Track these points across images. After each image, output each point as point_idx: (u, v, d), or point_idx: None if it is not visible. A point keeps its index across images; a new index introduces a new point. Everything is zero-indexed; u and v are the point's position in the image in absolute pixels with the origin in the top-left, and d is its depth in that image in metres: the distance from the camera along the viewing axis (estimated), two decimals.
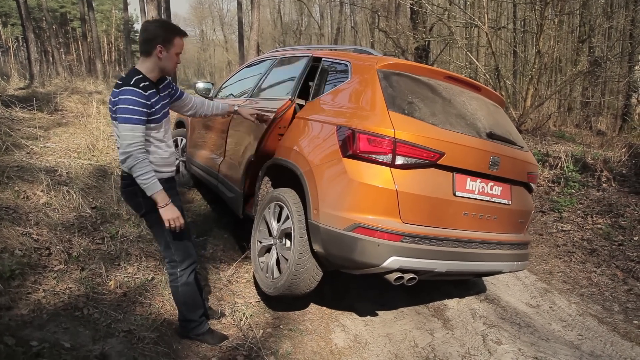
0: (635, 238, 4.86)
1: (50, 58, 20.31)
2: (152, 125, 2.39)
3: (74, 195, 3.91)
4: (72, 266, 3.07)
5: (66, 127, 6.43)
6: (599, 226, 5.27)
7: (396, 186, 2.55)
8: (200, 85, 4.99)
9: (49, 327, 2.47)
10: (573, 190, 6.22)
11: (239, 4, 25.88)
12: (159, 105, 2.43)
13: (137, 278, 3.19)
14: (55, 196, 3.84)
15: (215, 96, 4.98)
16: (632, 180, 6.23)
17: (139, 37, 2.44)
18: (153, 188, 2.33)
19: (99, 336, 2.53)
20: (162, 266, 3.42)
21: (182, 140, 5.54)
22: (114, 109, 2.31)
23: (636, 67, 10.98)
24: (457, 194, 2.77)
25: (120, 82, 2.32)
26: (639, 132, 9.34)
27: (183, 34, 2.46)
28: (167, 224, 2.39)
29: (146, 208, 2.45)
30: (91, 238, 3.48)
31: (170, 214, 2.38)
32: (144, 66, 2.40)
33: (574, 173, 6.63)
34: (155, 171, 2.40)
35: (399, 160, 2.57)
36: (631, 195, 5.74)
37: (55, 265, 3.03)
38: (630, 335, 3.46)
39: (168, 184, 2.52)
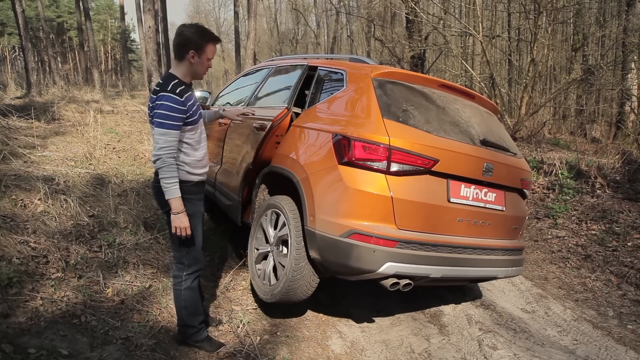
0: (629, 244, 4.90)
1: (47, 67, 20.34)
2: (188, 127, 2.47)
3: (72, 204, 3.92)
4: (69, 274, 3.08)
5: (63, 136, 6.45)
6: (594, 232, 5.31)
7: (391, 193, 2.58)
8: (198, 94, 5.01)
9: (47, 334, 2.48)
10: (568, 197, 6.27)
11: (236, 13, 26.01)
12: (195, 107, 2.51)
13: (135, 286, 3.20)
14: (52, 204, 3.86)
15: (212, 105, 5.02)
16: (625, 186, 6.28)
17: (174, 41, 2.48)
18: (172, 193, 2.41)
19: (97, 343, 2.54)
20: (159, 274, 3.44)
21: None
22: (151, 113, 2.39)
23: (629, 75, 11.09)
24: (452, 200, 2.80)
25: (158, 88, 2.39)
26: (632, 139, 9.42)
27: (216, 40, 2.51)
28: (173, 230, 2.46)
29: (168, 206, 2.49)
30: (89, 246, 3.50)
31: (179, 222, 2.45)
32: (179, 70, 2.48)
33: (568, 180, 6.69)
34: (189, 173, 2.52)
35: (394, 167, 2.61)
36: (625, 202, 5.79)
37: (53, 273, 3.04)
38: (624, 339, 3.48)
39: (197, 187, 2.62)
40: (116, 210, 4.18)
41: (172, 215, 2.45)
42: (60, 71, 19.59)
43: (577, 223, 5.61)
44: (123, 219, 4.06)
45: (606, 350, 3.30)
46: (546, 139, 11.38)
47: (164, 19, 18.85)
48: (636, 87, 11.06)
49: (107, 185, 4.74)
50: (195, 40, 2.42)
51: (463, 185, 2.87)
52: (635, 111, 10.86)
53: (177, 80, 2.42)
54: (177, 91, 2.37)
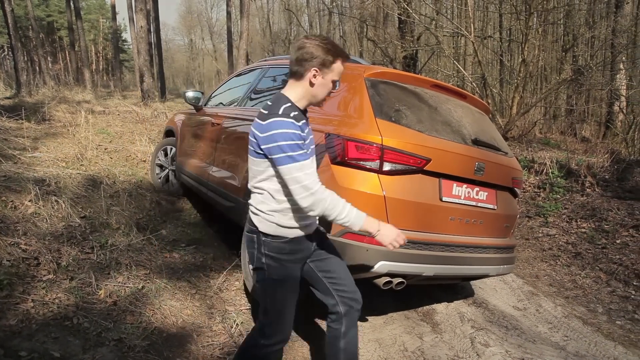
0: (618, 241, 4.96)
1: (37, 67, 20.19)
2: None
3: (63, 205, 3.90)
4: (61, 276, 3.06)
5: (54, 136, 6.40)
6: (583, 230, 5.37)
7: (384, 192, 2.60)
8: (190, 94, 5.03)
9: (38, 337, 2.47)
10: (558, 196, 6.33)
11: (228, 13, 25.96)
12: (309, 140, 2.02)
13: (128, 287, 3.19)
14: (43, 206, 3.83)
15: (205, 105, 5.01)
16: (614, 185, 6.36)
17: (292, 55, 2.02)
18: (357, 222, 1.95)
19: (89, 345, 2.53)
20: (152, 275, 3.43)
21: (171, 149, 5.55)
22: (262, 147, 1.89)
23: (617, 76, 11.22)
24: (444, 199, 2.82)
25: (266, 112, 1.92)
26: (621, 138, 9.53)
27: (346, 57, 2.02)
28: (390, 247, 2.02)
29: (257, 264, 2.06)
30: (80, 247, 3.48)
31: (388, 236, 1.99)
32: (293, 92, 2.01)
33: (558, 179, 6.76)
34: (280, 225, 2.00)
35: (387, 167, 2.63)
36: (614, 200, 5.86)
37: (44, 275, 3.02)
38: (613, 335, 3.53)
39: (292, 245, 2.05)
40: (108, 211, 4.16)
41: (376, 238, 2.00)
42: (50, 71, 19.45)
43: (568, 221, 5.67)
44: (115, 220, 4.05)
45: (596, 345, 3.34)
46: (537, 139, 11.48)
47: (156, 18, 18.75)
48: (624, 87, 11.20)
49: (98, 186, 4.72)
50: (321, 55, 1.94)
51: (455, 185, 2.90)
52: (624, 111, 11.00)
53: (289, 104, 1.95)
54: (291, 115, 1.89)
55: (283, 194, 1.97)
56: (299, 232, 2.05)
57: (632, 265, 4.48)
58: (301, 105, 2.02)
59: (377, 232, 1.98)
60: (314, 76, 1.96)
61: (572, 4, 11.94)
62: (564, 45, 13.54)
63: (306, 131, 1.99)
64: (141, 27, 11.99)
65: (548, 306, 3.93)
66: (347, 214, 1.92)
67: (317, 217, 2.16)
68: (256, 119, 1.94)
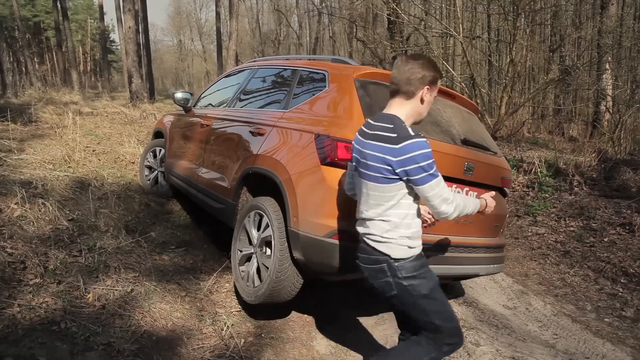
0: (605, 239, 5.01)
1: (24, 68, 19.95)
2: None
3: (50, 208, 3.85)
4: (48, 280, 3.01)
5: (41, 138, 6.32)
6: (572, 229, 5.42)
7: None
8: (179, 95, 4.99)
9: (25, 342, 2.43)
10: (547, 195, 6.39)
11: (217, 14, 25.86)
12: None
13: (116, 290, 3.15)
14: (30, 209, 3.78)
15: (194, 106, 4.98)
16: (601, 184, 6.43)
17: (399, 75, 2.04)
18: (477, 207, 2.17)
19: (77, 350, 2.49)
20: (141, 277, 3.39)
21: (160, 150, 5.51)
22: (398, 171, 1.93)
23: (604, 76, 11.35)
24: None
25: (394, 135, 1.94)
26: (607, 138, 9.64)
27: (441, 75, 2.15)
28: (488, 210, 2.25)
29: (397, 289, 2.05)
30: (68, 251, 3.43)
31: (490, 205, 2.25)
32: (403, 111, 2.05)
33: (547, 178, 6.81)
34: (410, 247, 2.04)
35: None
36: (601, 199, 5.93)
37: (31, 279, 2.97)
38: (601, 332, 3.57)
39: (420, 258, 2.11)
40: (96, 213, 4.12)
41: (489, 208, 2.23)
42: (37, 72, 19.21)
43: (556, 220, 5.73)
44: (104, 222, 4.01)
45: (585, 343, 3.37)
46: (525, 138, 11.58)
47: (145, 19, 18.60)
48: (611, 87, 11.33)
49: (87, 188, 4.67)
50: (432, 73, 2.03)
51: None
52: (610, 110, 11.13)
53: (405, 124, 2.01)
54: (422, 135, 1.95)
55: (409, 218, 2.04)
56: (420, 248, 2.12)
57: (619, 263, 4.53)
58: (408, 123, 2.05)
59: (487, 207, 2.22)
60: (426, 94, 2.04)
61: (559, 5, 12.05)
62: (551, 45, 13.66)
63: None
64: (129, 27, 11.89)
65: (538, 304, 3.96)
66: (472, 205, 2.12)
67: None
68: (382, 144, 1.96)
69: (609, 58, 11.26)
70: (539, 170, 7.05)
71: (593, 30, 11.81)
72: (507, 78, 10.15)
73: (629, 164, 6.84)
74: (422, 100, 2.05)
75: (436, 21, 13.46)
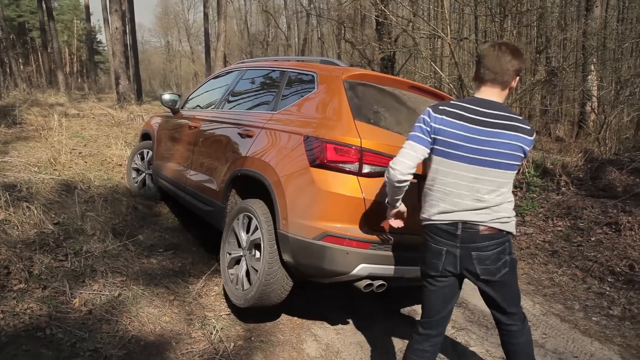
0: (592, 239, 5.06)
1: (8, 69, 19.63)
2: None
3: (35, 211, 3.79)
4: (33, 285, 2.96)
5: (26, 140, 6.23)
6: (559, 228, 5.47)
7: (363, 194, 2.59)
8: (167, 97, 4.95)
9: (8, 349, 2.38)
10: (535, 195, 6.44)
11: (205, 15, 25.74)
12: None
13: (103, 295, 3.11)
14: (14, 212, 3.71)
15: (182, 107, 4.93)
16: (588, 184, 6.49)
17: (510, 64, 2.06)
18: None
19: (63, 357, 2.45)
20: (129, 282, 3.35)
21: (148, 152, 5.45)
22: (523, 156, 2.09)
23: (589, 77, 11.49)
24: None
25: (529, 128, 2.08)
26: (593, 138, 9.75)
27: None
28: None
29: (510, 265, 2.17)
30: (54, 255, 3.38)
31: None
32: (503, 100, 2.17)
33: (535, 178, 6.86)
34: None
35: (366, 169, 2.62)
36: (588, 198, 5.99)
37: (15, 285, 2.92)
38: (590, 331, 3.59)
39: None
40: (83, 217, 4.06)
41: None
42: (22, 73, 18.95)
43: (544, 220, 5.77)
44: (90, 226, 3.95)
45: (573, 342, 3.40)
46: None
47: (132, 20, 18.47)
48: (596, 88, 11.47)
49: (73, 191, 4.60)
50: (523, 65, 2.15)
51: None
52: (596, 111, 11.26)
53: None
54: None
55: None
56: None
57: (606, 262, 4.57)
58: None
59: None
60: (513, 85, 2.15)
61: (544, 7, 12.19)
62: (538, 47, 13.81)
63: None
64: (116, 28, 11.79)
65: (527, 304, 3.98)
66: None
67: None
68: (520, 135, 2.05)
69: (594, 59, 11.40)
70: (527, 170, 7.10)
71: (578, 32, 11.95)
72: None
73: (614, 164, 6.91)
74: (510, 89, 2.15)
75: (424, 22, 13.51)
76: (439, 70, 12.45)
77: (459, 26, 15.40)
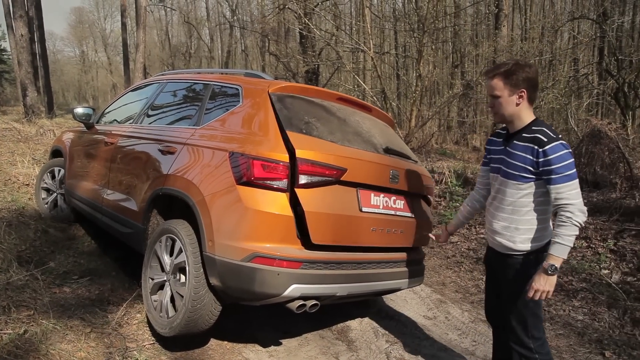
0: None
1: None
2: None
3: None
4: None
5: None
6: (482, 236, 5.72)
7: (303, 207, 2.50)
8: (79, 110, 4.59)
9: None
10: (457, 204, 6.72)
11: (124, 25, 24.60)
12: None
13: (6, 333, 2.75)
14: None
15: (97, 122, 4.60)
16: None
17: (530, 81, 2.21)
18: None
19: None
20: (37, 315, 3.00)
21: (59, 170, 5.02)
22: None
23: None
24: (363, 209, 2.80)
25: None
26: None
27: None
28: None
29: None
30: None
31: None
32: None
33: (457, 187, 7.18)
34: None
35: (303, 180, 2.54)
36: None
37: None
38: None
39: None
40: None
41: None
42: None
43: (467, 228, 6.02)
44: None
45: None
46: (434, 149, 12.22)
47: (40, 27, 17.20)
48: None
49: None
50: None
51: (372, 194, 2.89)
52: None
53: None
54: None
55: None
56: None
57: None
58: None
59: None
60: None
61: (458, 24, 12.96)
62: (454, 62, 14.64)
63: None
64: (22, 35, 10.92)
65: (456, 312, 4.09)
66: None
67: None
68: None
69: None
70: (449, 180, 7.41)
71: (489, 48, 12.82)
72: (416, 92, 10.66)
73: None
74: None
75: (347, 36, 13.84)
76: (362, 83, 12.78)
77: (380, 40, 15.95)
